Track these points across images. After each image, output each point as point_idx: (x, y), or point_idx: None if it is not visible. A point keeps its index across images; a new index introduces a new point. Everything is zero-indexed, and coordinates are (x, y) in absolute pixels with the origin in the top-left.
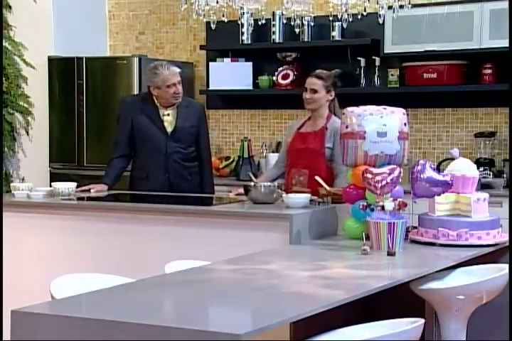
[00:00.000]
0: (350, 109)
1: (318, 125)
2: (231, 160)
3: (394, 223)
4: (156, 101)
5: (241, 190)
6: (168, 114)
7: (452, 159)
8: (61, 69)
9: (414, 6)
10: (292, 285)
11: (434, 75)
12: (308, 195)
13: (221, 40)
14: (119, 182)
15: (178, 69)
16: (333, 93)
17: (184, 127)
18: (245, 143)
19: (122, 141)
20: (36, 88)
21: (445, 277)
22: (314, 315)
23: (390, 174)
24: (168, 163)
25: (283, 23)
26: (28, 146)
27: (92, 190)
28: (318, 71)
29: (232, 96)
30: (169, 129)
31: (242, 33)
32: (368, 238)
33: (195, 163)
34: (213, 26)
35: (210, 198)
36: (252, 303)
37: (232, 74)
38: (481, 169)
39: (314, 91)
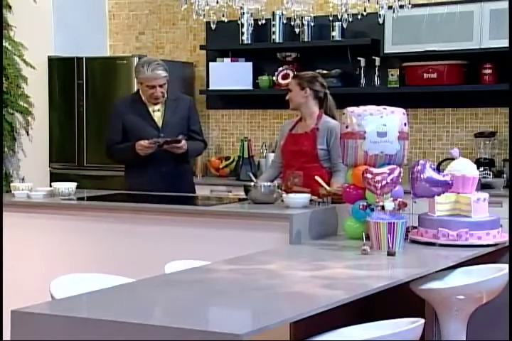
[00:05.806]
0: (350, 109)
1: (308, 126)
2: (231, 160)
3: (394, 223)
4: (143, 99)
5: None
6: (158, 110)
7: (452, 159)
8: (61, 69)
9: (414, 6)
10: (292, 285)
11: (434, 75)
12: (308, 195)
13: (221, 40)
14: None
15: (163, 73)
16: (307, 90)
17: (174, 120)
18: (245, 143)
19: (116, 140)
20: (36, 88)
21: (445, 277)
22: (314, 315)
23: (390, 174)
24: (161, 156)
25: (283, 23)
26: (28, 146)
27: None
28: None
29: (232, 96)
30: (160, 124)
31: (242, 33)
32: (367, 238)
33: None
34: (213, 26)
35: (210, 198)
36: (252, 303)
37: (232, 74)
38: (481, 169)
39: (289, 90)
